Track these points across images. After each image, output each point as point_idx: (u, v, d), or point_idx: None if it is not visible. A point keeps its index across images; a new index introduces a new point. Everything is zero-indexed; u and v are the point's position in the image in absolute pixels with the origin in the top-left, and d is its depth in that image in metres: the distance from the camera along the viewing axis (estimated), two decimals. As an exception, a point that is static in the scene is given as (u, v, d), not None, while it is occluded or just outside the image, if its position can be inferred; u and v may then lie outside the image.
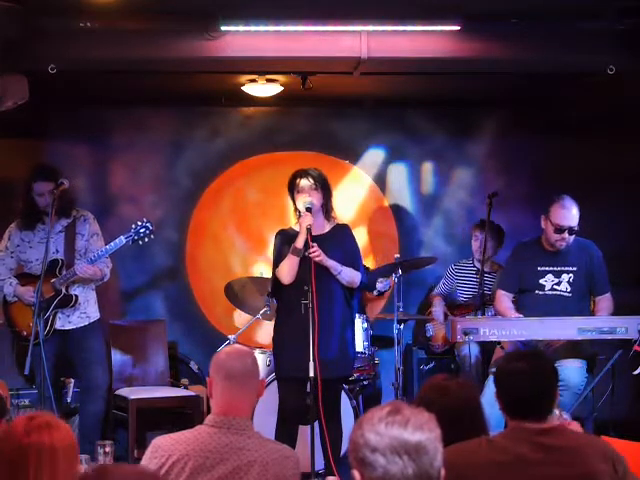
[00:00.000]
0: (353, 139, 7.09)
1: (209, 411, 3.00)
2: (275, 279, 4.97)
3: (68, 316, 5.51)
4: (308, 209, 4.83)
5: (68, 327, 5.52)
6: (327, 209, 5.00)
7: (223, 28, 5.17)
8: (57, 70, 5.19)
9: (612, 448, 2.76)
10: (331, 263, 4.83)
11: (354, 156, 7.09)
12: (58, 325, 5.47)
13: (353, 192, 7.04)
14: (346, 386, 5.34)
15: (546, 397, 2.78)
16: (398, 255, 6.15)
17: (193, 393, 5.92)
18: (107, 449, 4.36)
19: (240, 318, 6.62)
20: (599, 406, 5.05)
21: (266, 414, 4.99)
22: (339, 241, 4.98)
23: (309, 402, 4.57)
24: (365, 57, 5.31)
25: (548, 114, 6.78)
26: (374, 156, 7.12)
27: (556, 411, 2.84)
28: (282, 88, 6.34)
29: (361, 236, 6.66)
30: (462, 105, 6.92)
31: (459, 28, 5.25)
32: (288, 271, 4.86)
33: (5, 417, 3.06)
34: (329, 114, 7.07)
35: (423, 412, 1.91)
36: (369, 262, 6.73)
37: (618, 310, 5.26)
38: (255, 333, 6.76)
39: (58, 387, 5.92)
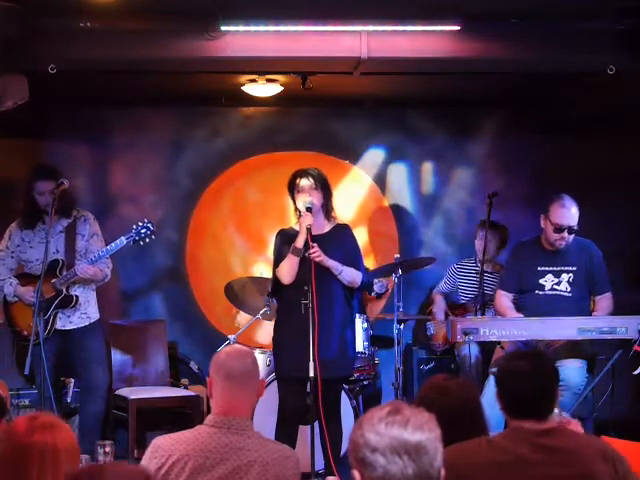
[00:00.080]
0: (353, 139, 7.09)
1: (209, 411, 3.00)
2: (275, 279, 4.97)
3: (69, 316, 5.52)
4: (308, 209, 4.83)
5: (69, 327, 5.52)
6: (327, 209, 5.00)
7: (223, 28, 5.17)
8: (57, 70, 5.19)
9: (612, 448, 2.75)
10: (331, 263, 4.83)
11: (354, 156, 7.09)
12: (59, 325, 5.47)
13: (353, 192, 7.04)
14: (346, 386, 5.34)
15: (547, 397, 2.78)
16: (398, 255, 6.15)
17: (193, 393, 5.92)
18: (107, 449, 4.36)
19: (240, 318, 6.61)
20: (599, 406, 5.05)
21: (266, 414, 4.99)
22: (339, 241, 4.98)
23: (309, 402, 4.57)
24: (365, 57, 5.31)
25: (548, 114, 6.78)
26: (374, 156, 7.12)
27: (555, 410, 2.83)
28: (282, 88, 6.34)
29: (361, 236, 6.65)
30: (462, 105, 6.92)
31: (459, 28, 5.25)
32: (288, 271, 4.86)
33: (5, 417, 3.06)
34: (329, 114, 7.06)
35: (423, 412, 1.91)
36: (369, 262, 6.73)
37: (618, 310, 5.26)
38: (255, 333, 6.75)
39: (58, 387, 5.92)
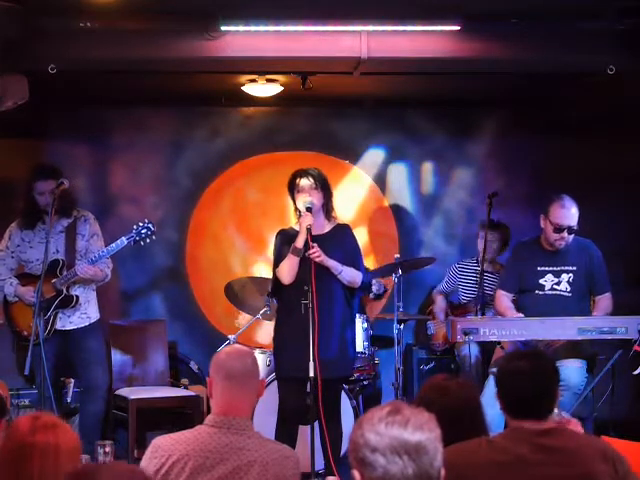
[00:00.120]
0: (353, 139, 7.09)
1: (209, 411, 3.00)
2: (275, 279, 4.97)
3: (69, 316, 5.52)
4: (308, 209, 4.83)
5: (69, 327, 5.52)
6: (327, 209, 5.00)
7: (223, 28, 5.17)
8: (57, 70, 5.19)
9: (612, 448, 2.75)
10: (332, 263, 4.83)
11: (354, 156, 7.09)
12: (59, 325, 5.47)
13: (353, 192, 7.04)
14: (346, 386, 5.34)
15: (547, 397, 2.78)
16: (398, 255, 6.15)
17: (193, 393, 5.92)
18: (107, 449, 4.37)
19: (241, 318, 6.61)
20: (599, 406, 5.05)
21: (266, 414, 4.99)
22: (339, 241, 4.98)
23: (309, 402, 4.57)
24: (365, 57, 5.31)
25: (548, 114, 6.78)
26: (374, 156, 7.12)
27: (555, 410, 2.83)
28: (282, 88, 6.34)
29: (361, 236, 6.65)
30: (462, 105, 6.92)
31: (459, 28, 5.25)
32: (288, 271, 4.86)
33: (5, 417, 3.06)
34: (329, 114, 7.07)
35: (423, 412, 1.91)
36: (369, 262, 6.73)
37: (618, 310, 5.26)
38: (255, 333, 6.75)
39: (58, 387, 5.92)
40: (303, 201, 4.86)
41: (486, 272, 6.22)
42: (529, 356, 2.91)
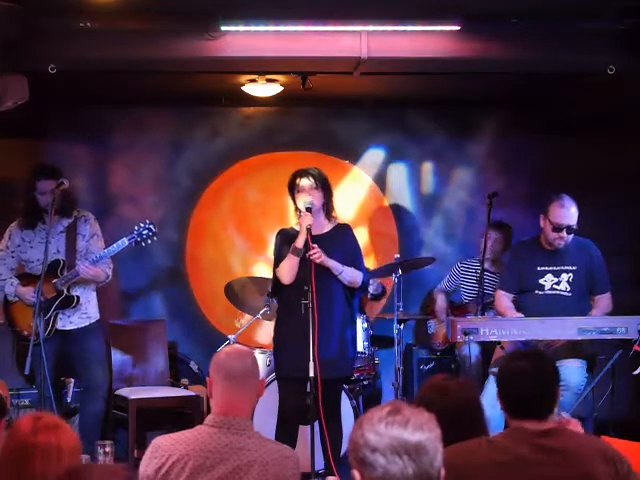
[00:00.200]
0: (353, 139, 7.09)
1: (209, 411, 3.00)
2: (275, 279, 4.97)
3: (69, 316, 5.52)
4: (308, 209, 4.83)
5: (69, 327, 5.52)
6: (328, 209, 4.99)
7: (223, 28, 5.17)
8: (57, 70, 5.19)
9: (613, 448, 2.75)
10: (332, 263, 4.83)
11: (354, 156, 7.09)
12: (59, 325, 5.47)
13: (353, 192, 7.04)
14: (346, 386, 5.33)
15: (548, 397, 2.78)
16: (398, 255, 6.15)
17: (193, 393, 5.92)
18: (107, 449, 4.37)
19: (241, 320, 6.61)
20: (599, 406, 5.05)
21: (266, 414, 4.99)
22: (340, 241, 4.97)
23: (309, 402, 4.57)
24: (365, 57, 5.31)
25: (548, 114, 6.78)
26: (374, 156, 7.12)
27: (554, 409, 2.84)
28: (282, 88, 6.34)
29: (361, 236, 6.64)
30: (462, 105, 6.92)
31: (459, 28, 5.25)
32: (288, 271, 4.85)
33: (5, 417, 3.06)
34: (329, 114, 7.07)
35: (423, 412, 1.91)
36: (369, 262, 6.73)
37: (618, 310, 5.26)
38: (255, 333, 6.75)
39: (58, 387, 5.91)
40: (303, 201, 4.86)
41: (489, 272, 6.24)
42: (530, 356, 2.91)
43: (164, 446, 2.83)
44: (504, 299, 5.38)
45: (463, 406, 2.87)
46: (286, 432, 4.75)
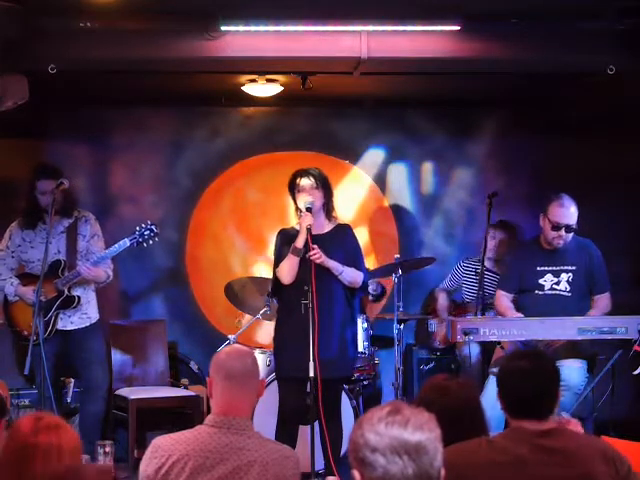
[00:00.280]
0: (353, 139, 7.09)
1: (209, 411, 3.00)
2: (275, 279, 4.97)
3: (69, 317, 5.52)
4: (308, 209, 4.83)
5: (69, 328, 5.52)
6: (328, 209, 4.99)
7: (223, 28, 5.17)
8: (57, 70, 5.19)
9: (613, 448, 2.75)
10: (332, 264, 4.83)
11: (354, 156, 7.09)
12: (60, 326, 5.47)
13: (353, 192, 7.04)
14: (346, 386, 5.33)
15: (548, 397, 2.77)
16: (398, 255, 6.15)
17: (193, 393, 5.92)
18: (107, 449, 4.38)
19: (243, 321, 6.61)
20: (599, 406, 5.05)
21: (266, 414, 4.98)
22: (340, 241, 4.97)
23: (309, 402, 4.57)
24: (365, 57, 5.31)
25: (548, 114, 6.78)
26: (374, 156, 7.12)
27: (555, 410, 2.84)
28: (282, 88, 6.34)
29: (361, 236, 6.63)
30: (462, 105, 6.92)
31: (459, 28, 5.25)
32: (288, 271, 4.85)
33: (5, 417, 3.06)
34: (329, 114, 7.07)
35: (423, 412, 1.91)
36: (369, 262, 6.72)
37: (618, 310, 5.26)
38: (255, 333, 6.75)
39: (58, 387, 5.92)
40: (304, 201, 4.86)
41: (491, 272, 6.23)
42: (530, 356, 2.91)
43: (164, 446, 2.83)
44: (504, 299, 5.38)
45: (463, 406, 2.87)
46: (286, 432, 4.75)
